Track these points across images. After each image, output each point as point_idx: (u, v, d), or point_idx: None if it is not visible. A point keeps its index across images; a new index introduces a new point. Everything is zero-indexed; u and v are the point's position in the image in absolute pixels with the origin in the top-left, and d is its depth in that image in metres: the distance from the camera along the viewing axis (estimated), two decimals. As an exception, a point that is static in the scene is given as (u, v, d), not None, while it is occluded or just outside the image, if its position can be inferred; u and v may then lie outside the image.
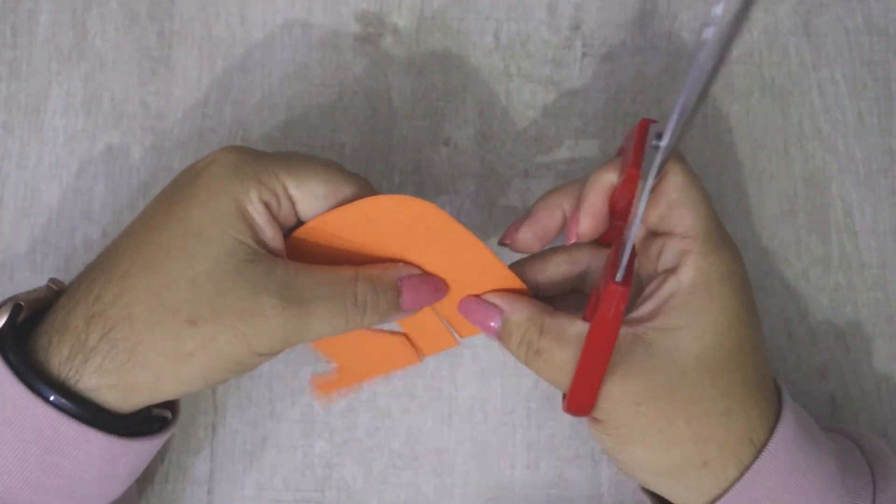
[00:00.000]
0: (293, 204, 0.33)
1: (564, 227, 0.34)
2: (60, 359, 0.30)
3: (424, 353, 0.38)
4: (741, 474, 0.30)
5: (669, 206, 0.31)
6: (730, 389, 0.30)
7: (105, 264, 0.32)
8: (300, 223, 0.34)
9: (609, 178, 0.32)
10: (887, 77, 0.43)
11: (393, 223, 0.33)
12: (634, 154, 0.30)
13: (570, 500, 0.41)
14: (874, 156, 0.42)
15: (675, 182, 0.31)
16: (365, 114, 0.43)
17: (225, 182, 0.31)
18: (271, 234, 0.32)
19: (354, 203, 0.33)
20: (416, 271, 0.34)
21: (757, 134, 0.42)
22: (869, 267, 0.42)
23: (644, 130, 0.32)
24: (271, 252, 0.32)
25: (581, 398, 0.31)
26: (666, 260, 0.32)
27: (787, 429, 0.31)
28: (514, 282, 0.34)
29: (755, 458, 0.30)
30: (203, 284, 0.30)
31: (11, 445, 0.30)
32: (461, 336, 0.37)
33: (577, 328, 0.31)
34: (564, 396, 0.33)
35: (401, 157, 0.43)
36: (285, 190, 0.32)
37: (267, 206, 0.31)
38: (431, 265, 0.35)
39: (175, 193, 0.32)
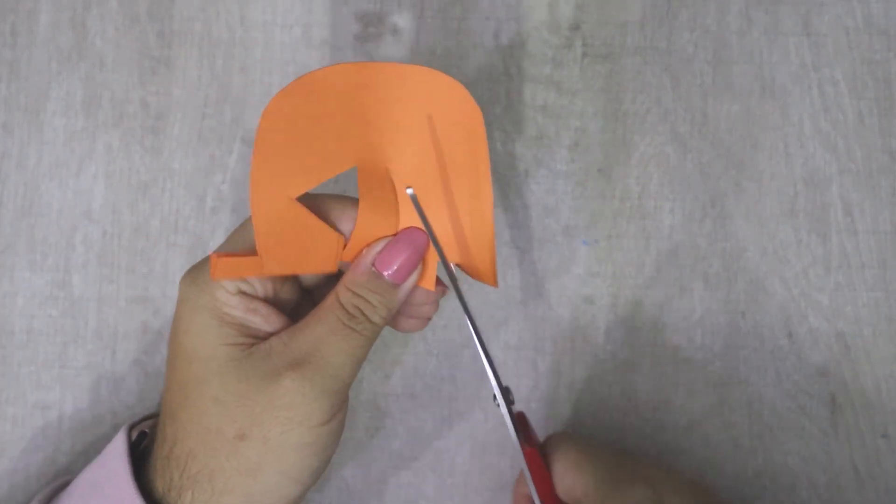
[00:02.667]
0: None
1: None
2: (158, 496, 0.31)
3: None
4: None
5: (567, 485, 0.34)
6: None
7: (163, 403, 0.33)
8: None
9: None
10: (887, 77, 0.43)
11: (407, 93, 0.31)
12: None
13: (570, 500, 0.41)
14: (874, 156, 0.42)
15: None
16: (365, 114, 0.43)
17: (192, 301, 0.31)
18: (260, 318, 0.32)
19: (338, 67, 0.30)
20: (381, 244, 0.33)
21: (757, 134, 0.42)
22: (869, 267, 0.42)
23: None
24: (269, 334, 0.32)
25: None
26: None
27: None
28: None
29: None
30: (225, 398, 0.30)
31: None
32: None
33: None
34: None
35: (401, 157, 0.43)
36: None
37: (242, 292, 0.32)
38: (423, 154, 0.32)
39: (171, 331, 0.33)
